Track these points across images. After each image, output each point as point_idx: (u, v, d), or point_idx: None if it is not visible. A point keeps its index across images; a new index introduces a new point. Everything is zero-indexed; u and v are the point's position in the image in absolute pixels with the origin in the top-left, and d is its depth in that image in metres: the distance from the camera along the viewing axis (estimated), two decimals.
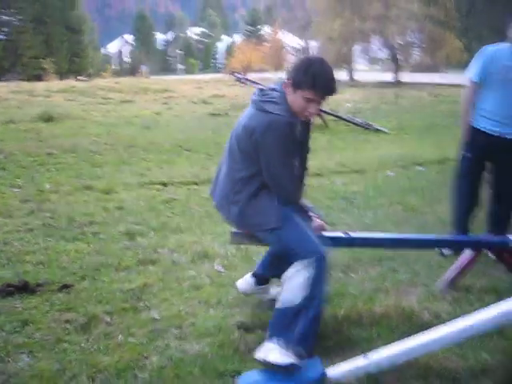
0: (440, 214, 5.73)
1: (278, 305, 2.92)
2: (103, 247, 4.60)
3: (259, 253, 4.52)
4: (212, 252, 4.55)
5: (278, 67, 47.79)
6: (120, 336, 3.17)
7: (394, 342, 2.82)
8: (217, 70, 64.03)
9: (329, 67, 2.98)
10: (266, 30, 59.94)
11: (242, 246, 4.69)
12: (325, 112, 13.26)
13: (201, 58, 73.11)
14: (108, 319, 3.36)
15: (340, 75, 40.97)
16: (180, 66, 72.85)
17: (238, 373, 2.77)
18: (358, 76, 40.09)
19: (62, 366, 2.84)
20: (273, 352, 2.79)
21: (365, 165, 8.68)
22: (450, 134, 13.12)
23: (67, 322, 3.31)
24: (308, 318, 2.84)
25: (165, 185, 6.90)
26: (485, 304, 3.37)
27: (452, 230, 4.91)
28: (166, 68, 71.33)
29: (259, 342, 2.98)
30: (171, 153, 9.28)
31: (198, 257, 4.45)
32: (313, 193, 6.76)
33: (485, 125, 4.59)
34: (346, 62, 42.23)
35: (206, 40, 74.30)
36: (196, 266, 4.28)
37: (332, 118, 13.70)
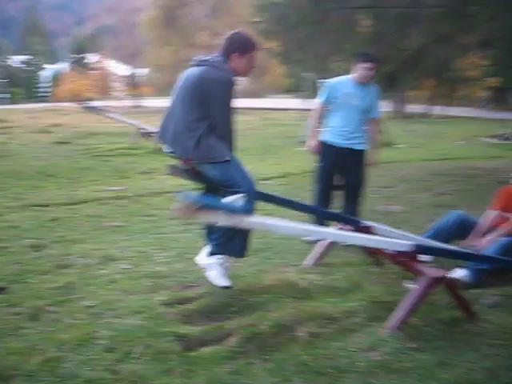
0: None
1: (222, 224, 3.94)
2: (17, 258, 5.11)
3: (155, 254, 5.36)
4: (115, 255, 5.27)
5: (105, 95, 47.78)
6: (67, 320, 3.82)
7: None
8: (42, 100, 62.33)
9: None
10: (92, 58, 59.41)
11: (140, 250, 5.47)
12: None
13: (24, 87, 70.68)
14: (51, 309, 3.99)
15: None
16: (2, 96, 69.86)
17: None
18: None
19: (31, 344, 3.44)
20: (214, 274, 4.19)
21: None
22: (285, 153, 14.66)
23: (17, 314, 3.88)
24: (245, 232, 4.04)
25: (45, 206, 7.37)
26: (344, 272, 4.55)
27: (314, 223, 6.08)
28: None
29: (183, 315, 3.88)
30: (35, 179, 9.61)
31: (105, 260, 5.13)
32: None
33: (333, 139, 5.86)
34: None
35: (30, 68, 71.97)
36: (106, 266, 4.97)
37: None
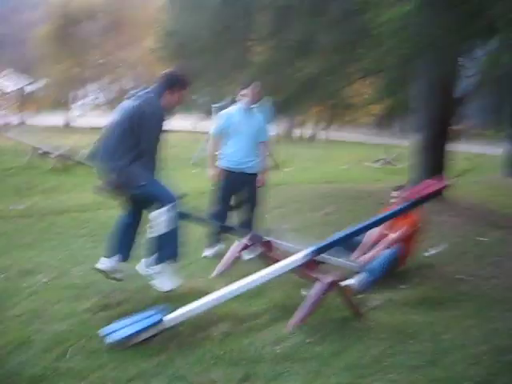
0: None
1: (152, 235, 4.60)
2: None
3: (70, 268, 5.72)
4: (32, 269, 5.59)
5: None
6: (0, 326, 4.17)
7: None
8: None
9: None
10: None
11: (55, 264, 5.81)
12: (68, 158, 14.43)
13: None
14: None
15: (58, 120, 41.40)
16: None
17: (104, 335, 4.01)
18: (73, 121, 41.54)
19: None
20: (159, 281, 4.72)
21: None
22: (179, 175, 15.09)
23: None
24: (173, 240, 4.61)
25: None
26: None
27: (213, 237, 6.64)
28: None
29: (106, 320, 4.30)
30: None
31: (23, 274, 5.45)
32: (90, 224, 8.01)
33: (228, 165, 6.46)
34: (64, 106, 42.89)
35: None
36: (26, 279, 5.30)
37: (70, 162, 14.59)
